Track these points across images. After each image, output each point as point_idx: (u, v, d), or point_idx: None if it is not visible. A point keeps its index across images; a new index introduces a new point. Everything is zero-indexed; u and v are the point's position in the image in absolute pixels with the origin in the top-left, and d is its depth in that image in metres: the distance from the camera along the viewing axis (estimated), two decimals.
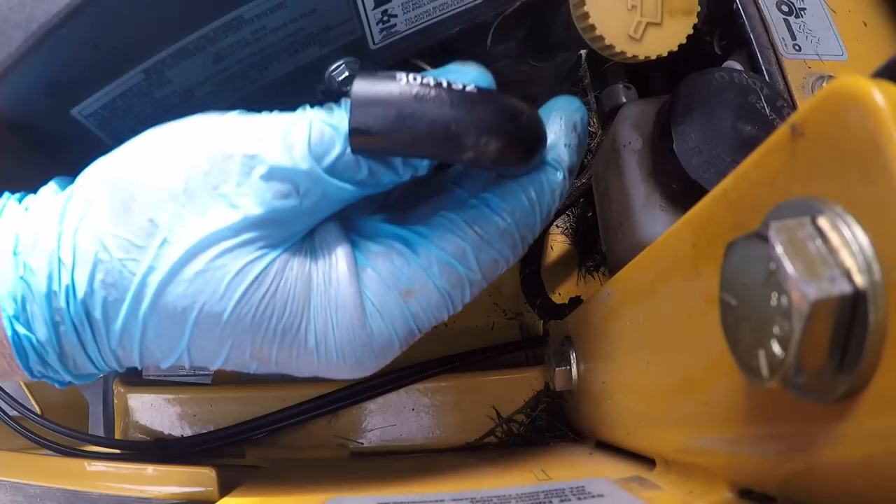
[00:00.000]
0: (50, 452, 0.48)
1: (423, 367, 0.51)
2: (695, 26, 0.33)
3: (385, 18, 0.32)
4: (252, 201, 0.24)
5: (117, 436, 0.53)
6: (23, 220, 0.24)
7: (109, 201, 0.24)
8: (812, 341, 0.16)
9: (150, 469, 0.36)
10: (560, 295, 0.65)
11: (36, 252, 0.24)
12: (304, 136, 0.24)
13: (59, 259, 0.24)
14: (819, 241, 0.16)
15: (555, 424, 0.49)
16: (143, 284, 0.24)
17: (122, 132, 0.32)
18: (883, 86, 0.15)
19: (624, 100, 0.50)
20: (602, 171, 0.46)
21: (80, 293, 0.24)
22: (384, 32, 0.33)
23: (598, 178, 0.48)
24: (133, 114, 0.31)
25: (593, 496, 0.31)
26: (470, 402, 0.50)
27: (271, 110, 0.27)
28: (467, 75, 0.26)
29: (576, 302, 0.51)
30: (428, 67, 0.40)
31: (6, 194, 0.27)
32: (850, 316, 0.16)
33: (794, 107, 0.39)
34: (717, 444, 0.26)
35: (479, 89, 0.25)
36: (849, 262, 0.16)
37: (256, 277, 0.24)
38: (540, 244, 0.60)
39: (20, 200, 0.26)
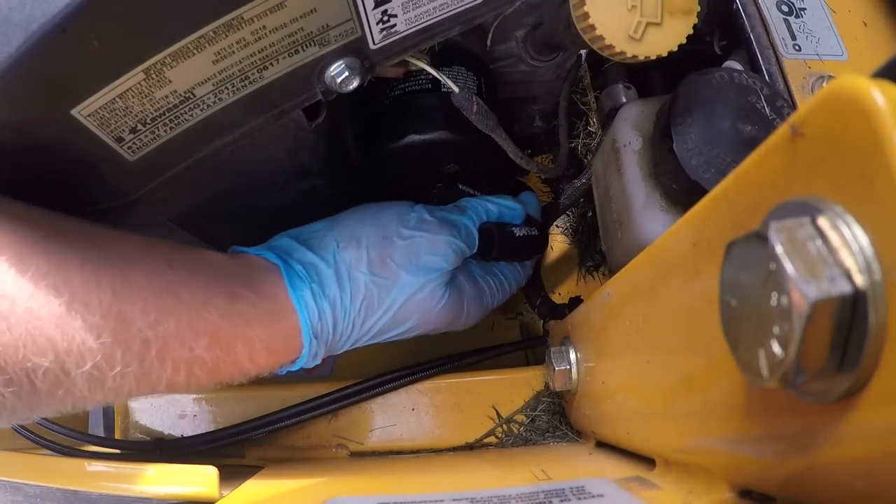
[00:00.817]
0: (50, 452, 0.48)
1: (423, 367, 0.51)
2: (695, 26, 0.34)
3: (385, 18, 0.32)
4: (449, 264, 0.44)
5: (117, 436, 0.53)
6: (306, 280, 0.40)
7: (371, 262, 0.42)
8: (812, 341, 0.16)
9: (150, 469, 0.36)
10: (560, 295, 0.65)
11: (325, 296, 0.40)
12: (466, 245, 0.46)
13: (340, 294, 0.41)
14: (819, 241, 0.16)
15: (555, 424, 0.49)
16: (390, 304, 0.43)
17: (122, 132, 0.32)
18: (883, 86, 0.15)
19: (624, 100, 0.50)
20: (602, 171, 0.46)
21: (363, 312, 0.42)
22: (384, 32, 0.33)
23: (598, 178, 0.48)
24: (133, 114, 0.31)
25: (593, 496, 0.31)
26: (470, 402, 0.50)
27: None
28: (532, 206, 0.53)
29: (576, 302, 0.51)
30: (426, 66, 0.40)
31: (262, 256, 0.41)
32: (850, 316, 0.16)
33: (794, 107, 0.39)
34: (717, 444, 0.26)
35: (538, 232, 0.51)
36: (849, 262, 0.16)
37: (444, 293, 0.45)
38: None
39: (274, 258, 0.40)
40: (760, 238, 0.17)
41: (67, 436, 0.48)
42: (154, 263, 0.32)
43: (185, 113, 0.32)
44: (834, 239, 0.16)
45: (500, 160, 0.53)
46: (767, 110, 0.36)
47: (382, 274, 0.42)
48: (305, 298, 0.39)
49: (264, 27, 0.30)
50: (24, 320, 0.26)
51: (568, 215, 0.66)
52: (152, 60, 0.29)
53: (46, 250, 0.28)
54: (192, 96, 0.32)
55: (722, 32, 0.49)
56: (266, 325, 0.37)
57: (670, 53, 0.34)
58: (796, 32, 0.45)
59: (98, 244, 0.31)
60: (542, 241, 0.52)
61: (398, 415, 0.50)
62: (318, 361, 0.42)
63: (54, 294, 0.27)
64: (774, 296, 0.17)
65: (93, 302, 0.28)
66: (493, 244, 0.47)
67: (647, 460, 0.35)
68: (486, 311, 0.50)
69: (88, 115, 0.30)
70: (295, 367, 0.41)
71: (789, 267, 0.16)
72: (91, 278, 0.29)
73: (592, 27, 0.33)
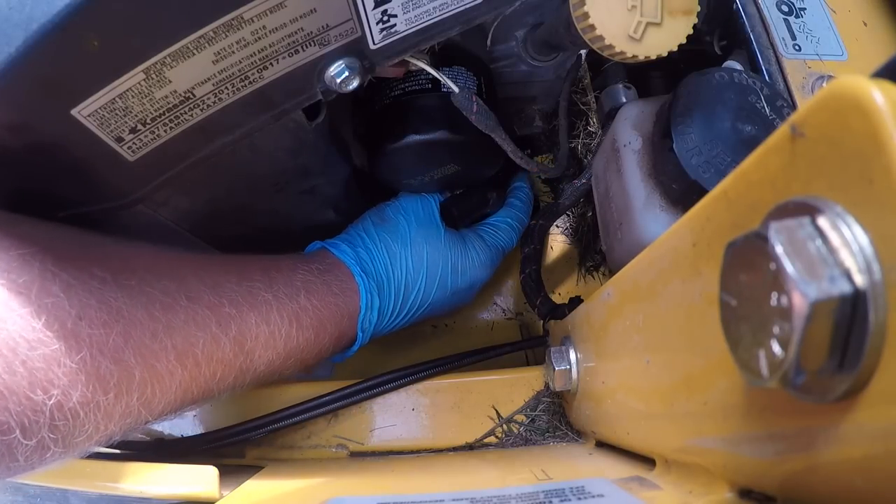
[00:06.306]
0: None
1: (423, 367, 0.51)
2: (695, 26, 0.33)
3: (385, 18, 0.32)
4: (423, 199, 0.55)
5: None
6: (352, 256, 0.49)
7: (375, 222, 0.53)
8: (812, 341, 0.16)
9: (150, 469, 0.36)
10: (560, 295, 0.65)
11: (374, 274, 0.49)
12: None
13: (399, 272, 0.50)
14: (819, 241, 0.16)
15: (555, 424, 0.49)
16: (402, 231, 0.52)
17: (122, 132, 0.32)
18: (883, 86, 0.15)
19: (624, 100, 0.50)
20: (602, 171, 0.46)
21: (385, 241, 0.50)
22: (384, 32, 0.33)
23: (598, 178, 0.48)
24: (133, 114, 0.31)
25: (593, 496, 0.31)
26: (470, 402, 0.50)
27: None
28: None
29: (576, 302, 0.51)
30: (426, 66, 0.40)
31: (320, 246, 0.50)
32: (850, 316, 0.16)
33: (794, 107, 0.39)
34: (716, 444, 0.26)
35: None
36: (849, 262, 0.16)
37: (440, 224, 0.54)
38: (540, 244, 0.60)
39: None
40: (760, 238, 0.17)
41: None
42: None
43: (185, 113, 0.32)
44: (834, 239, 0.16)
45: (500, 160, 0.53)
46: (767, 110, 0.36)
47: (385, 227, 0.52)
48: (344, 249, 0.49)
49: (264, 27, 0.30)
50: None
51: (568, 215, 0.67)
52: (152, 60, 0.29)
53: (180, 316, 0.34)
54: (192, 96, 0.32)
55: (722, 32, 0.49)
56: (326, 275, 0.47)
57: (670, 53, 0.34)
58: (796, 32, 0.45)
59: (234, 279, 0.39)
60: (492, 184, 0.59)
61: (398, 415, 0.50)
62: (374, 295, 0.48)
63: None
64: (774, 296, 0.17)
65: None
66: (453, 207, 0.56)
67: (647, 460, 0.35)
68: (493, 251, 0.56)
69: (88, 115, 0.30)
70: (363, 304, 0.47)
71: (789, 267, 0.16)
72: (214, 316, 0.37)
73: (592, 27, 0.33)
